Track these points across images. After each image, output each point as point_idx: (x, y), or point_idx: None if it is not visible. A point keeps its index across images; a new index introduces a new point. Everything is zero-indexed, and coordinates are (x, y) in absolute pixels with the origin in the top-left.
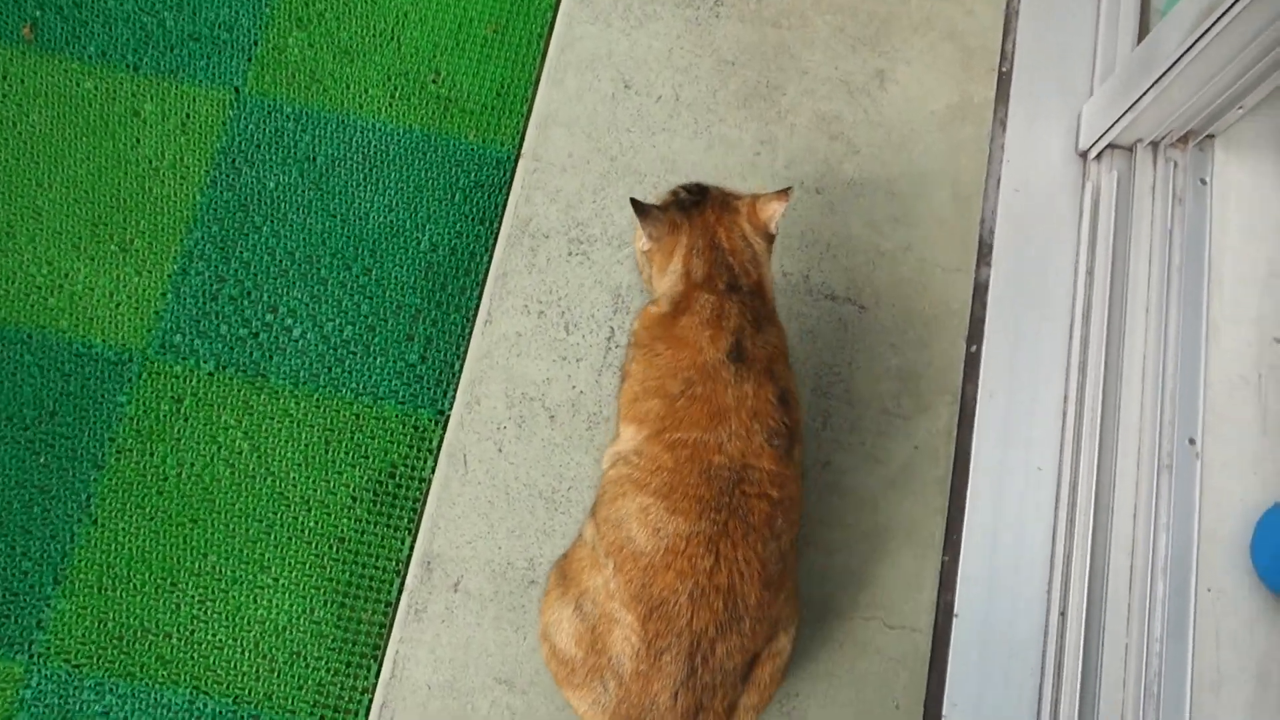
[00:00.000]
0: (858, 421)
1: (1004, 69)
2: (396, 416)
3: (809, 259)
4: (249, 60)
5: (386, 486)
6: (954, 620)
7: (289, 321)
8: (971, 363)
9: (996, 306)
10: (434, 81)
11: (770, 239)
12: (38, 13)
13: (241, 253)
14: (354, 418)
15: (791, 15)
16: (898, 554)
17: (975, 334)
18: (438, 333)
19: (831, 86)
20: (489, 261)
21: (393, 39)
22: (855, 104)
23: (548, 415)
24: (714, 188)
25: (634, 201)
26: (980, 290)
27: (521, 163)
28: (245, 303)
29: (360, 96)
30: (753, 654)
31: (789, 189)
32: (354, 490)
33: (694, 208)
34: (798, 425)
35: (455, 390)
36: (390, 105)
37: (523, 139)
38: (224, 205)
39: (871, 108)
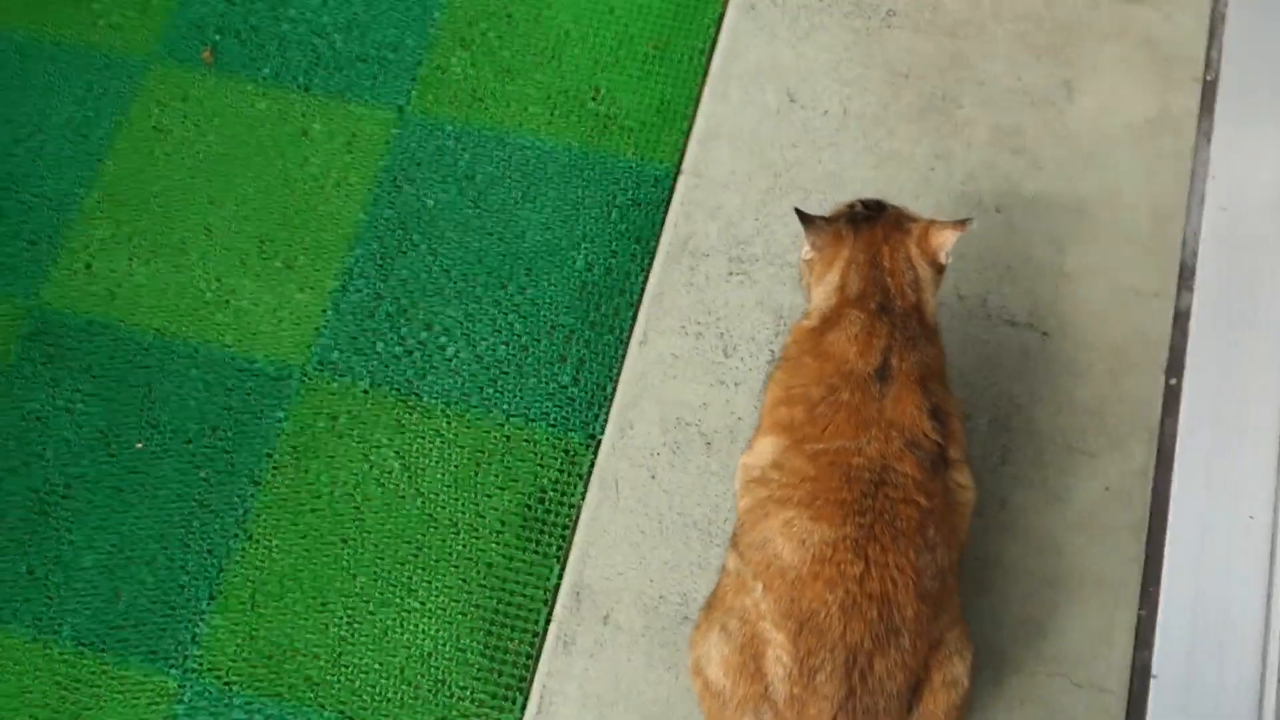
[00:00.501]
0: (1039, 457)
1: (1208, 78)
2: (547, 440)
3: (987, 281)
4: (413, 80)
5: (536, 512)
6: (1151, 682)
7: (443, 340)
8: (1171, 397)
9: (1200, 335)
10: (594, 99)
11: (939, 268)
12: (217, 37)
13: (399, 270)
14: (504, 439)
15: (969, 25)
16: (1084, 605)
17: (1175, 365)
18: (591, 354)
19: (1013, 98)
20: (645, 280)
21: (554, 57)
22: (1039, 116)
23: (704, 442)
24: (893, 207)
25: (799, 211)
26: (1181, 318)
27: (681, 179)
28: (401, 320)
29: (520, 114)
30: (915, 676)
31: (968, 220)
32: (503, 515)
33: (864, 223)
34: (953, 445)
35: (608, 414)
36: (550, 123)
37: (683, 155)
38: (384, 223)
39: (1057, 120)
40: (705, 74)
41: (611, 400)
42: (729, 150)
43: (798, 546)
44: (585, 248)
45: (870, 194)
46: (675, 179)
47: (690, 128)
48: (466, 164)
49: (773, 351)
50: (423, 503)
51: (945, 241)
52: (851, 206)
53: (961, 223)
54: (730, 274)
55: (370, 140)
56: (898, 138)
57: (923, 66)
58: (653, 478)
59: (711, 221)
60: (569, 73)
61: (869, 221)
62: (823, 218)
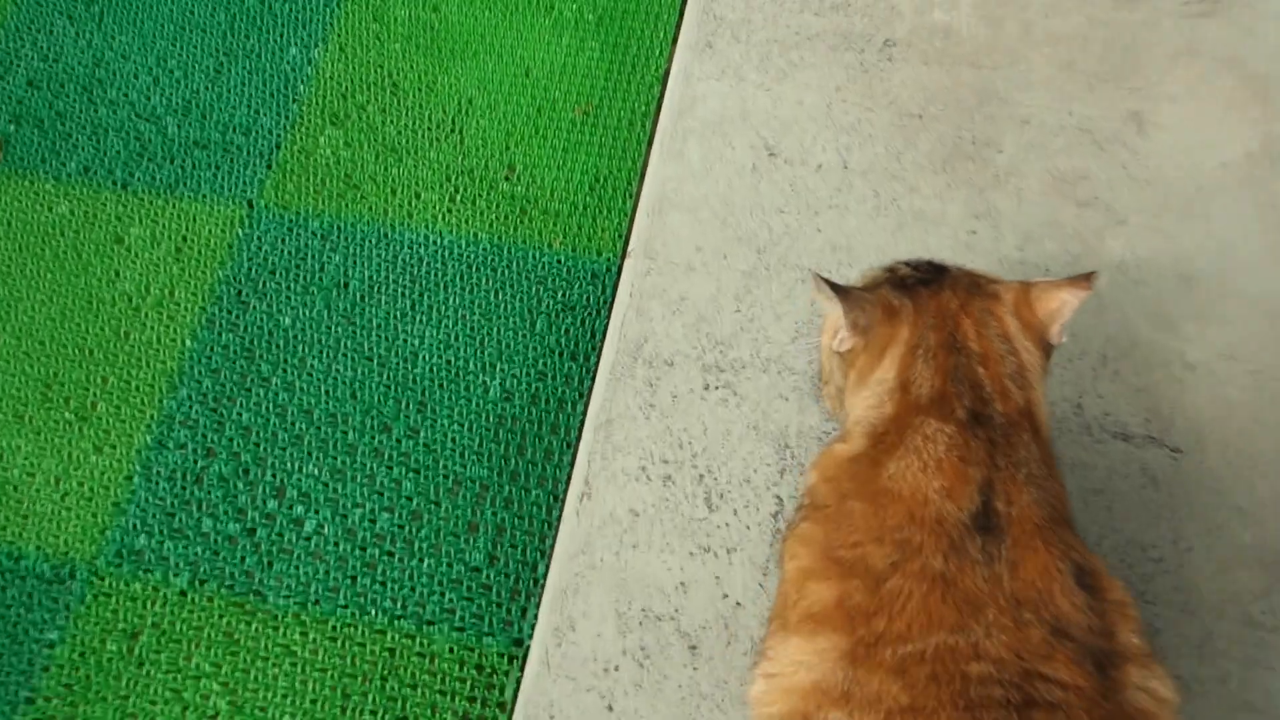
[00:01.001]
0: (1206, 642)
1: None
2: (451, 651)
3: (1078, 379)
4: (268, 166)
5: None
6: None
7: (299, 510)
8: None
9: None
10: (507, 179)
11: (1048, 350)
12: (11, 127)
13: (239, 415)
14: (387, 654)
15: (994, 52)
16: None
17: None
18: (513, 520)
19: (1068, 137)
20: (585, 406)
21: (453, 130)
22: (1108, 158)
23: (685, 645)
24: (955, 267)
25: (824, 280)
26: None
27: (629, 263)
28: (239, 485)
29: (410, 203)
30: None
31: (1092, 275)
32: None
33: (923, 287)
34: (1121, 624)
35: (539, 608)
36: (450, 211)
37: (629, 235)
38: (221, 351)
39: (1132, 162)
40: (652, 135)
41: (544, 587)
42: (691, 223)
43: None
44: (501, 370)
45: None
46: (620, 265)
47: (637, 197)
48: (337, 268)
49: (780, 499)
50: None
51: (1060, 308)
52: (893, 270)
53: (1083, 279)
54: (707, 388)
55: (207, 244)
56: (921, 193)
57: (942, 104)
58: (609, 709)
59: (675, 318)
60: (474, 149)
61: (929, 286)
62: (859, 288)
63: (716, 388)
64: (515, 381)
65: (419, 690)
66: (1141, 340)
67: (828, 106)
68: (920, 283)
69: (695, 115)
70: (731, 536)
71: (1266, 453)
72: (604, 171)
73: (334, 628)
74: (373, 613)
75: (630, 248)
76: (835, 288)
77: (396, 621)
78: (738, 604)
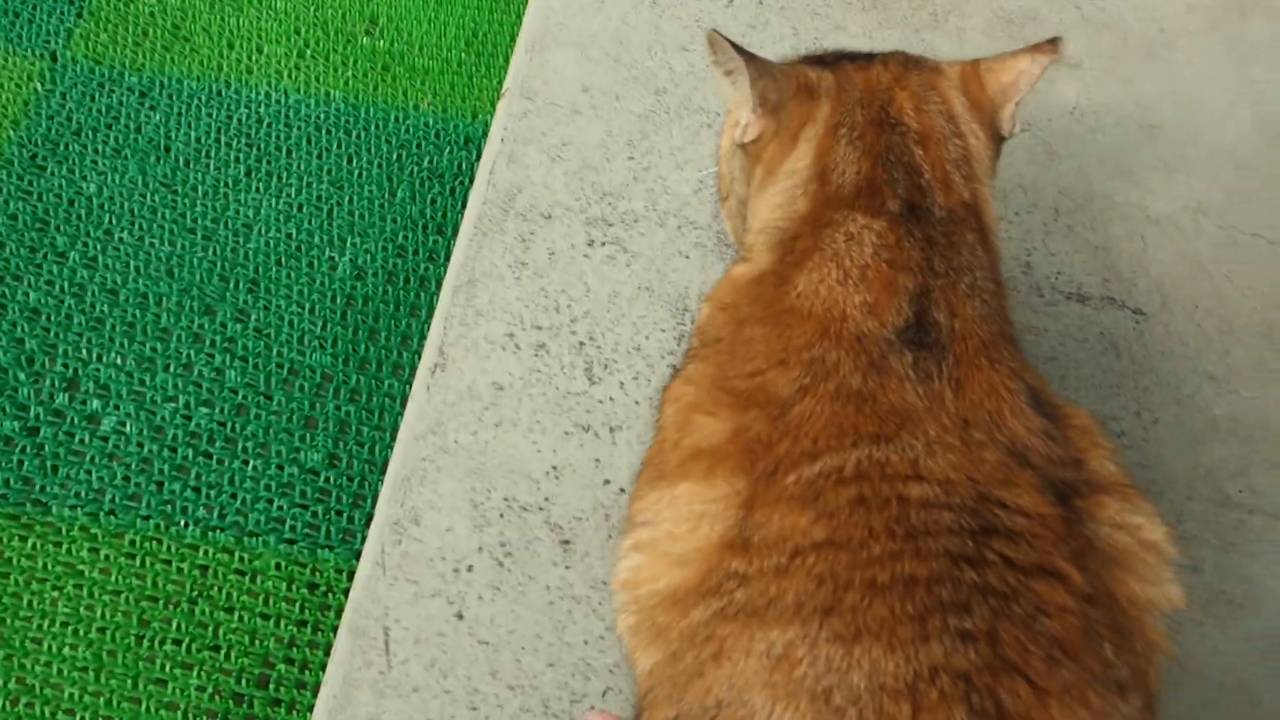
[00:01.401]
0: (1176, 525)
1: None
2: (279, 568)
3: (1026, 235)
4: (78, 15)
5: (260, 703)
6: None
7: (95, 405)
8: None
9: None
10: (368, 32)
11: (999, 139)
12: None
13: (27, 295)
14: (197, 573)
15: None
16: None
17: None
18: (360, 413)
19: None
20: (445, 267)
21: None
22: None
23: (556, 540)
24: (897, 52)
25: (722, 38)
26: None
27: (502, 105)
28: (21, 377)
29: (251, 58)
30: None
31: (1056, 39)
32: (197, 711)
33: (850, 63)
34: (1093, 455)
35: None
36: (298, 67)
37: (503, 73)
38: (8, 223)
39: (1087, 2)
40: None
41: (383, 476)
42: (578, 61)
43: (818, 712)
44: (353, 245)
45: None
46: (494, 109)
47: (516, 35)
48: (156, 128)
49: (675, 368)
50: (45, 700)
51: (1015, 81)
52: (820, 57)
53: (1047, 44)
54: (592, 245)
55: None
56: (847, 33)
57: None
58: (459, 617)
59: (555, 166)
60: None
61: (856, 63)
62: (773, 63)
63: (603, 244)
64: (369, 258)
65: (236, 614)
66: (1098, 192)
67: None
68: (849, 60)
69: None
70: (616, 413)
71: (1240, 314)
72: (483, 25)
73: (132, 542)
74: (182, 524)
75: (505, 87)
76: (740, 51)
77: (212, 534)
78: (621, 490)
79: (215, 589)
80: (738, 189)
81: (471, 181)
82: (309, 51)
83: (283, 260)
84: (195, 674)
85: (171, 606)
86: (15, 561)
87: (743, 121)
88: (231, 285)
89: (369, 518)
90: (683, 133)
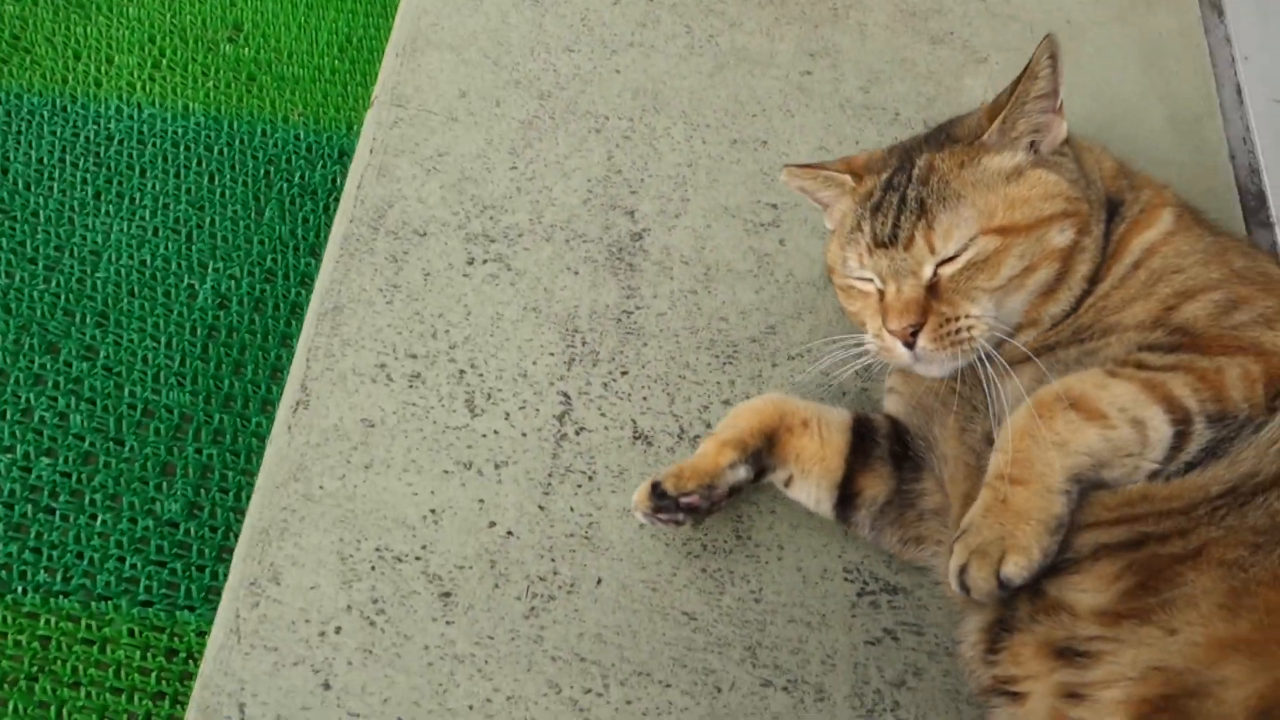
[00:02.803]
0: None
1: None
2: (133, 635)
3: None
4: None
5: None
6: None
7: None
8: None
9: None
10: (231, 39)
11: None
12: None
13: None
14: (37, 646)
15: None
16: None
17: None
18: (224, 456)
19: None
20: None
21: None
22: None
23: (436, 592)
24: None
25: None
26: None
27: (371, 114)
28: None
29: (100, 69)
30: None
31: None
32: None
33: None
34: None
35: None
36: (153, 79)
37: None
38: None
39: None
40: None
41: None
42: (454, 64)
43: None
44: (215, 271)
45: (711, 110)
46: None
47: (389, 39)
48: None
49: (567, 396)
50: None
51: None
52: None
53: None
54: (472, 263)
55: None
56: (743, 30)
57: None
58: (325, 687)
59: (430, 178)
60: (187, 5)
61: None
62: None
63: (484, 261)
64: (233, 284)
65: (84, 690)
66: None
67: None
68: None
69: None
70: (502, 447)
71: None
72: (358, 29)
73: None
74: (19, 590)
75: (375, 94)
76: None
77: (54, 600)
78: (509, 534)
79: (59, 662)
80: None
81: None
82: (165, 61)
83: (136, 290)
84: None
85: (8, 686)
86: None
87: None
88: (78, 319)
89: None
90: (569, 139)
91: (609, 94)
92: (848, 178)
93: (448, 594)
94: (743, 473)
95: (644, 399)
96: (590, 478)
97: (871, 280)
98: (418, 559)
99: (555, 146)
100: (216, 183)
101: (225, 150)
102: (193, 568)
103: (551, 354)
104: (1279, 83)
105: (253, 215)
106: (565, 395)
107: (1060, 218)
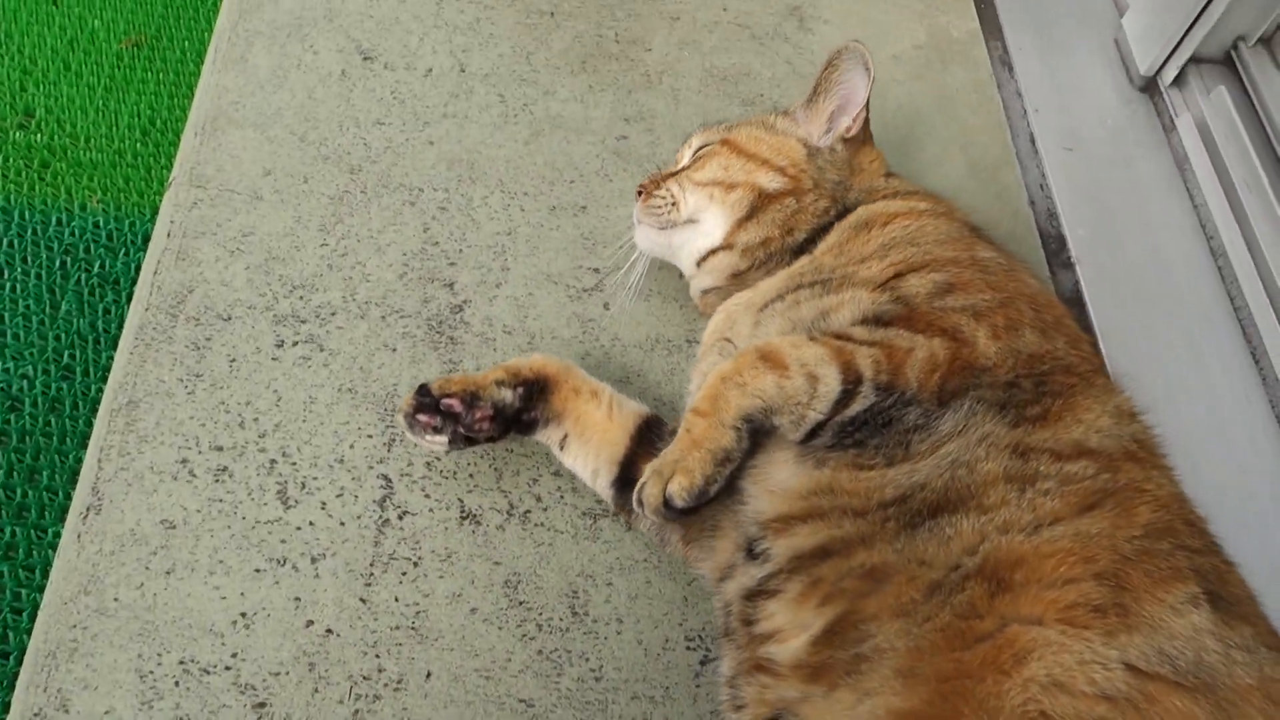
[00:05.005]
0: None
1: None
2: None
3: None
4: None
5: None
6: None
7: None
8: None
9: (1109, 322)
10: (22, 126)
11: None
12: None
13: None
14: None
15: None
16: None
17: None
18: (16, 573)
19: (724, 33)
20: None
21: None
22: (770, 54)
23: (249, 704)
24: None
25: None
26: (1072, 304)
27: (168, 196)
28: None
29: None
30: None
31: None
32: None
33: None
34: None
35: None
36: None
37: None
38: None
39: (797, 57)
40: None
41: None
42: (258, 142)
43: None
44: (5, 371)
45: (527, 176)
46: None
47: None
48: None
49: (388, 480)
50: None
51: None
52: None
53: None
54: (281, 346)
55: None
56: (557, 98)
57: (576, 0)
58: None
59: (235, 259)
60: None
61: None
62: None
63: (295, 343)
64: (25, 384)
65: None
66: None
67: (437, 4)
68: None
69: (262, 16)
70: (318, 538)
71: None
72: (161, 110)
73: None
74: None
75: (172, 176)
76: None
77: None
78: (328, 632)
79: None
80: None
81: None
82: None
83: None
84: None
85: None
86: None
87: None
88: None
89: (7, 705)
90: (382, 213)
91: (423, 165)
92: None
93: (262, 704)
94: (509, 395)
95: (470, 476)
96: (415, 564)
97: None
98: (228, 669)
99: (368, 221)
100: (6, 276)
101: (16, 241)
102: None
103: (370, 436)
104: (1068, 132)
105: (47, 309)
106: (386, 478)
107: (778, 171)
